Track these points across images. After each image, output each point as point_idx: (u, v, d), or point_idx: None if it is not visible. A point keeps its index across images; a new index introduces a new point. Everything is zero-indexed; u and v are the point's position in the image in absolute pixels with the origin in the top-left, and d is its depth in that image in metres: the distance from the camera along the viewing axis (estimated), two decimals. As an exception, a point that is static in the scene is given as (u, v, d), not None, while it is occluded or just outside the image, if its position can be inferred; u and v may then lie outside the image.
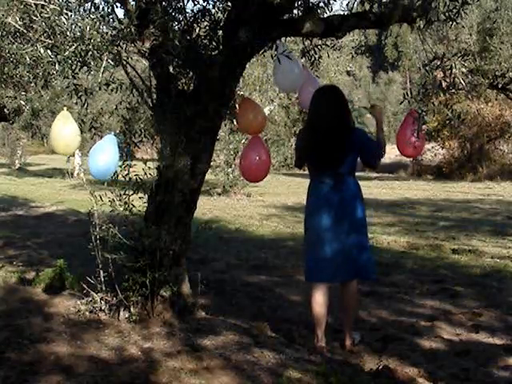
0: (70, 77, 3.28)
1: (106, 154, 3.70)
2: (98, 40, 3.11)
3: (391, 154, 26.37)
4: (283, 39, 4.17)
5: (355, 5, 3.77)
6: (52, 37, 3.14)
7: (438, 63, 3.38)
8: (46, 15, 3.08)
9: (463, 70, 3.35)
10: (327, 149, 3.65)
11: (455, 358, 3.56)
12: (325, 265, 3.64)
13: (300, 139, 3.91)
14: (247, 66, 4.11)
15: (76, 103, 3.75)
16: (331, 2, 3.83)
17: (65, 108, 3.55)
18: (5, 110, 5.46)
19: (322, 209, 3.63)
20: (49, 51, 3.12)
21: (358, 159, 3.71)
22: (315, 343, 3.69)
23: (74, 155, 20.53)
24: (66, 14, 3.10)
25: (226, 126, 4.42)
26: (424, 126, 3.48)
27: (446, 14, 3.46)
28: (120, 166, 3.99)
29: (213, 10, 3.98)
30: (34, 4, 3.09)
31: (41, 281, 4.84)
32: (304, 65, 4.28)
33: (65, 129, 3.54)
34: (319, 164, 3.71)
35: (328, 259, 3.62)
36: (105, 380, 3.05)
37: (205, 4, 3.95)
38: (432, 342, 3.83)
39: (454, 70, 3.32)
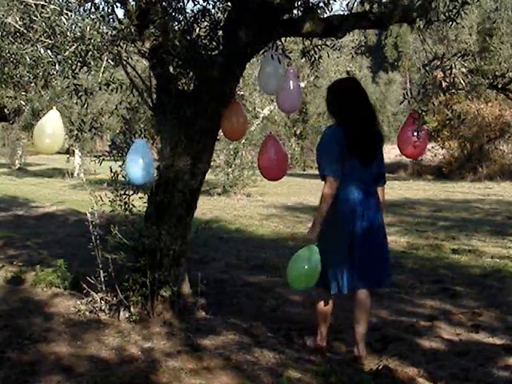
0: (70, 77, 3.28)
1: (142, 159, 3.59)
2: (98, 40, 3.11)
3: (391, 154, 26.38)
4: (283, 39, 4.17)
5: (355, 5, 3.77)
6: (52, 37, 3.15)
7: (438, 63, 3.38)
8: (46, 15, 3.08)
9: (463, 70, 3.35)
10: (372, 140, 3.53)
11: (455, 357, 3.56)
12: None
13: (337, 138, 3.43)
14: (247, 66, 4.11)
15: (76, 103, 3.76)
16: (331, 2, 3.83)
17: (54, 107, 3.52)
18: (5, 110, 5.47)
19: (357, 215, 3.45)
20: (49, 51, 3.12)
21: None
22: (316, 342, 3.67)
23: (74, 155, 20.54)
24: (66, 14, 3.10)
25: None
26: (424, 127, 3.47)
27: (446, 14, 3.46)
28: (120, 166, 4.00)
29: (213, 11, 3.98)
30: (34, 4, 3.09)
31: (41, 280, 4.84)
32: (292, 67, 4.16)
33: (46, 129, 3.48)
34: (364, 159, 3.48)
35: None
36: (105, 380, 3.06)
37: (205, 4, 3.95)
38: (432, 341, 3.83)
39: (453, 70, 3.32)
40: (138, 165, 3.53)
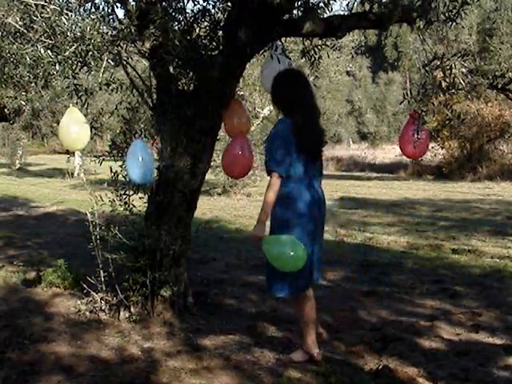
0: (71, 77, 3.29)
1: (142, 159, 3.60)
2: (99, 40, 3.12)
3: (391, 154, 26.04)
4: (283, 39, 4.18)
5: (355, 5, 3.78)
6: (52, 37, 3.15)
7: (438, 63, 3.38)
8: (47, 15, 3.09)
9: (463, 70, 3.35)
10: (321, 135, 3.50)
11: (455, 357, 3.56)
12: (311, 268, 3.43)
13: (290, 132, 3.31)
14: (247, 66, 4.11)
15: (76, 103, 3.76)
16: (331, 2, 3.83)
17: (71, 105, 3.55)
18: (5, 110, 5.47)
19: (312, 213, 3.36)
20: (49, 51, 3.12)
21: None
22: (312, 350, 3.42)
23: (74, 155, 20.54)
24: (67, 14, 3.11)
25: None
26: (425, 127, 3.47)
27: (446, 14, 3.46)
28: (120, 166, 4.00)
29: (213, 11, 3.99)
30: (35, 4, 3.10)
31: (41, 281, 4.85)
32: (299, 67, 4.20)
33: (73, 126, 3.53)
34: (313, 153, 3.41)
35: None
36: (105, 380, 3.06)
37: (205, 4, 3.96)
38: (432, 341, 3.83)
39: (453, 70, 3.32)
40: (138, 165, 3.54)
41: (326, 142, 3.59)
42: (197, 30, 3.95)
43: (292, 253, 3.23)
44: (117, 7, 3.61)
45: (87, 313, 4.06)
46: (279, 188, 3.29)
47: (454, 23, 3.52)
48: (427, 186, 16.66)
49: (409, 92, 3.41)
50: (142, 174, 3.59)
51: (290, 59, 4.04)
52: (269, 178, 3.33)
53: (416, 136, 3.41)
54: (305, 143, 3.33)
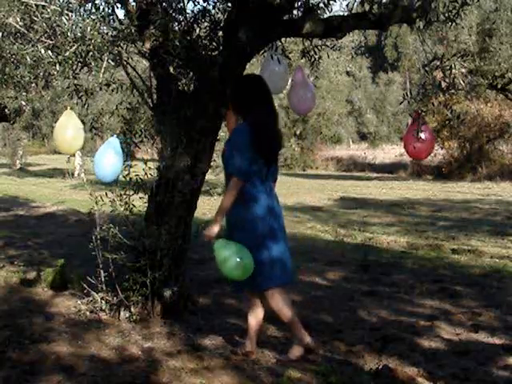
0: (71, 77, 3.29)
1: (110, 157, 3.65)
2: (99, 40, 3.12)
3: (391, 154, 25.94)
4: (282, 39, 4.18)
5: (355, 5, 3.78)
6: (53, 37, 3.16)
7: (438, 64, 3.39)
8: (47, 16, 3.09)
9: (463, 70, 3.36)
10: (279, 138, 3.59)
11: (455, 357, 3.57)
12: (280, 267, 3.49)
13: (250, 136, 3.36)
14: (247, 66, 4.12)
15: (77, 103, 3.77)
16: (331, 2, 3.83)
17: (68, 107, 3.56)
18: (6, 110, 5.47)
19: (272, 214, 3.50)
20: (49, 52, 3.13)
21: None
22: (304, 340, 3.43)
23: (74, 155, 20.54)
24: (67, 14, 3.11)
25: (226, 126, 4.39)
26: (429, 127, 3.47)
27: (446, 14, 3.47)
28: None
29: (213, 11, 4.00)
30: (35, 5, 3.10)
31: (42, 281, 4.85)
32: (301, 67, 4.19)
33: (68, 129, 3.55)
34: (270, 157, 3.48)
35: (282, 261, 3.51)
36: (105, 380, 3.07)
37: (205, 5, 3.97)
38: (432, 341, 3.84)
39: (453, 71, 3.33)
40: (106, 163, 3.59)
41: (283, 146, 3.66)
42: (197, 31, 3.95)
43: (239, 259, 3.28)
44: (117, 8, 3.62)
45: (87, 313, 4.07)
46: (240, 191, 3.36)
47: (454, 23, 3.53)
48: (427, 186, 16.65)
49: (409, 92, 3.42)
50: (108, 174, 3.64)
51: (290, 59, 4.05)
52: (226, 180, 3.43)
53: (417, 136, 3.42)
54: (263, 147, 3.40)
